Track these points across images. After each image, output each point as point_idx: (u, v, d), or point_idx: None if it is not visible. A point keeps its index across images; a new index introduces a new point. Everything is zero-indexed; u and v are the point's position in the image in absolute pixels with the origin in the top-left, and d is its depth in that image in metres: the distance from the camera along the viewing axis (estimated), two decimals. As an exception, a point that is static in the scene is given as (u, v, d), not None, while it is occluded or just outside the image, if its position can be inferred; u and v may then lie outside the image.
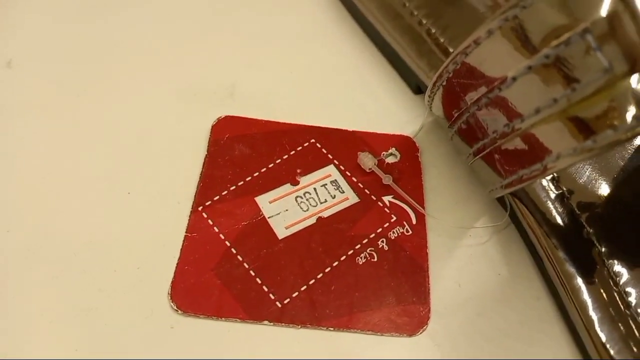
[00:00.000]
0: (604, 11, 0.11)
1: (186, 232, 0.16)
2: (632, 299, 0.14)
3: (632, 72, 0.11)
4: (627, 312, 0.14)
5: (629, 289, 0.14)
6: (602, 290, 0.14)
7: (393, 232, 0.16)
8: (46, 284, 0.15)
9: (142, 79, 0.19)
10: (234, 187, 0.17)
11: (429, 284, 0.15)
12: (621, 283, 0.14)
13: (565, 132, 0.12)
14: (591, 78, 0.12)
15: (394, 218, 0.16)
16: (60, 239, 0.15)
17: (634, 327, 0.14)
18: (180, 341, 0.14)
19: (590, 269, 0.15)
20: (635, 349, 0.14)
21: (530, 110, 0.13)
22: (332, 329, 0.14)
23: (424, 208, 0.17)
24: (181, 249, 0.15)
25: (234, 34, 0.21)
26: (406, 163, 0.18)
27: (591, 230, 0.15)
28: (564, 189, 0.16)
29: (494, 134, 0.14)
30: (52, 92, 0.18)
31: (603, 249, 0.15)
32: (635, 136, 0.12)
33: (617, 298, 0.14)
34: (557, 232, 0.15)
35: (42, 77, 0.19)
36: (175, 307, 0.14)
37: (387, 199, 0.17)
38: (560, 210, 0.15)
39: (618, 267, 0.15)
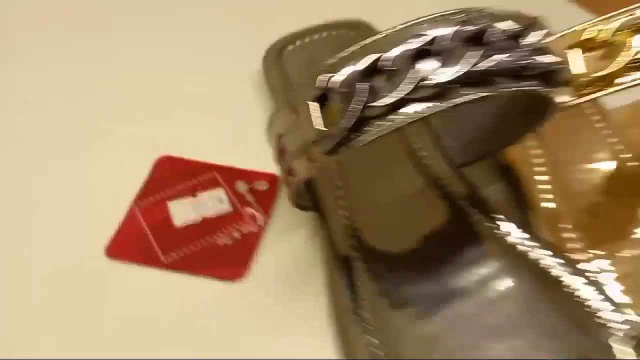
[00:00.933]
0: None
1: (124, 218, 0.27)
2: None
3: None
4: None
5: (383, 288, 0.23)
6: (353, 289, 0.23)
7: (245, 227, 0.26)
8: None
9: (118, 139, 0.31)
10: (159, 195, 0.28)
11: (255, 256, 0.25)
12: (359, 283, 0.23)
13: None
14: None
15: (248, 219, 0.27)
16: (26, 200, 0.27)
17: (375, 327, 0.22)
18: (109, 276, 0.25)
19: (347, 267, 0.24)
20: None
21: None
22: (186, 272, 0.25)
23: (269, 216, 0.27)
24: (118, 227, 0.26)
25: (177, 100, 0.32)
26: (271, 190, 0.28)
27: (357, 227, 0.24)
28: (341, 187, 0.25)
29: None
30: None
31: (360, 244, 0.24)
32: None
33: (369, 295, 0.23)
34: (329, 233, 0.25)
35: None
36: (108, 255, 0.25)
37: (248, 209, 0.27)
38: (337, 209, 0.25)
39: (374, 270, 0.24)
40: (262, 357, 0.22)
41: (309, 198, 0.26)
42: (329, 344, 0.23)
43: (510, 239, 0.24)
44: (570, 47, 0.23)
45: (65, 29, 0.37)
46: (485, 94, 0.18)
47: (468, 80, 0.18)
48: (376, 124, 0.18)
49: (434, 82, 0.17)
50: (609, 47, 0.23)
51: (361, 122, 0.18)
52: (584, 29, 0.23)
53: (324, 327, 0.23)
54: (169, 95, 0.33)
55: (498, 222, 0.24)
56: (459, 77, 0.17)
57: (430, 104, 0.18)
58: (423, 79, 0.17)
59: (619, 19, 0.22)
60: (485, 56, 0.18)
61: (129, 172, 0.29)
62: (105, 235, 0.26)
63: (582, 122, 0.32)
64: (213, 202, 0.28)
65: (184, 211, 0.27)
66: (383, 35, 0.19)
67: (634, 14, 0.22)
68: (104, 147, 0.30)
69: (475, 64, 0.17)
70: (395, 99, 0.18)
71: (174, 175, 0.29)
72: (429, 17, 0.18)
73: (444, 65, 0.18)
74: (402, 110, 0.18)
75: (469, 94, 0.18)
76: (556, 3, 0.36)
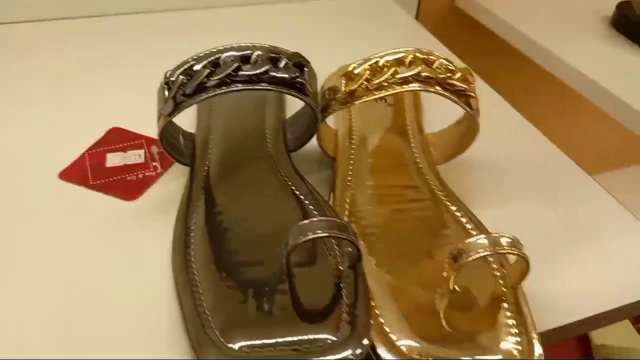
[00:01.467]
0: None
1: (77, 159, 0.43)
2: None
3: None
4: None
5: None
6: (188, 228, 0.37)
7: (148, 173, 0.42)
8: None
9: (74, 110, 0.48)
10: (103, 149, 0.44)
11: (147, 189, 0.40)
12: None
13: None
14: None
15: (152, 168, 0.42)
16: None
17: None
18: (56, 189, 0.40)
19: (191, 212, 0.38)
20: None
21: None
22: (102, 192, 0.40)
23: (165, 169, 0.42)
24: (71, 162, 0.42)
25: (131, 93, 0.49)
26: (173, 155, 0.43)
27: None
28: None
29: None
30: None
31: (209, 195, 0.39)
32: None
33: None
34: (192, 182, 0.39)
35: None
36: (59, 178, 0.41)
37: (154, 163, 0.42)
38: (202, 167, 0.40)
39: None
40: (129, 247, 0.37)
41: (190, 158, 0.41)
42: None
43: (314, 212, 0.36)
44: (341, 75, 0.37)
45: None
46: (250, 87, 0.33)
47: (238, 79, 0.33)
48: (188, 101, 0.33)
49: (215, 78, 0.33)
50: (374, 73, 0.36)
51: (185, 97, 0.34)
52: (349, 65, 0.37)
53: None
54: (127, 92, 0.50)
55: (312, 199, 0.37)
56: (226, 76, 0.32)
57: (216, 90, 0.33)
58: (210, 75, 0.33)
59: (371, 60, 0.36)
60: (250, 69, 0.33)
61: (91, 134, 0.45)
62: (62, 167, 0.42)
63: (401, 139, 0.45)
64: (134, 157, 0.43)
65: (114, 159, 0.43)
66: (201, 53, 0.34)
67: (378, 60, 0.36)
68: (79, 117, 0.47)
69: (237, 71, 0.32)
70: (195, 85, 0.33)
71: (117, 139, 0.45)
72: (225, 46, 0.34)
73: (220, 71, 0.33)
74: (202, 94, 0.33)
75: (236, 88, 0.33)
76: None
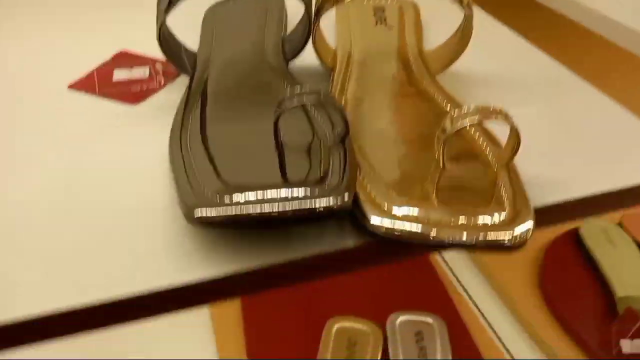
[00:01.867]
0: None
1: (86, 74, 0.45)
2: None
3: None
4: None
5: None
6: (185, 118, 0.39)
7: (151, 85, 0.43)
8: None
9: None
10: (110, 67, 0.45)
11: (150, 96, 0.42)
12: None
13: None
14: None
15: (155, 81, 0.43)
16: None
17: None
18: (66, 96, 0.42)
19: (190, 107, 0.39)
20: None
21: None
22: (108, 98, 0.42)
23: (168, 81, 0.43)
24: (81, 77, 0.44)
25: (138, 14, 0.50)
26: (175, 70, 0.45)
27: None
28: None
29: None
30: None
31: (204, 96, 0.40)
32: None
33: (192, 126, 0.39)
34: (192, 87, 0.40)
35: None
36: (69, 87, 0.43)
37: (158, 76, 0.44)
38: (203, 74, 0.41)
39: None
40: (130, 138, 0.38)
41: (192, 69, 0.42)
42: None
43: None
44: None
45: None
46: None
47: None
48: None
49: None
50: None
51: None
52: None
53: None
54: (136, 22, 0.51)
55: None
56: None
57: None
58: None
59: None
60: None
61: (100, 56, 0.47)
62: (73, 79, 0.44)
63: (401, 59, 0.46)
64: (140, 73, 0.45)
65: (120, 74, 0.45)
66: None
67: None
68: (89, 42, 0.50)
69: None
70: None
71: (124, 60, 0.47)
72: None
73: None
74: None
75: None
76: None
